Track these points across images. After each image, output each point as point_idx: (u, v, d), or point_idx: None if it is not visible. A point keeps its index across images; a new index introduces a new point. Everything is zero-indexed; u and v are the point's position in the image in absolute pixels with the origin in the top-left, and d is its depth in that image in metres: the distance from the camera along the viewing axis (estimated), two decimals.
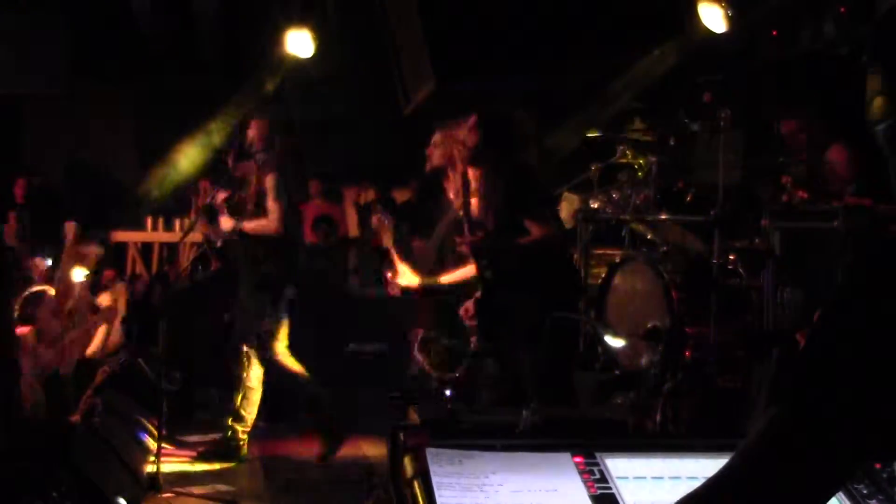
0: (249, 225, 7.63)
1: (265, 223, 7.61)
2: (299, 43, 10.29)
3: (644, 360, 7.02)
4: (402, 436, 2.55)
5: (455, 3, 9.14)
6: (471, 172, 6.12)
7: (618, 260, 7.85)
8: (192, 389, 9.09)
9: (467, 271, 6.32)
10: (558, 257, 6.11)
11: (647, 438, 3.70)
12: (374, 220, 7.25)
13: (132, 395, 7.61)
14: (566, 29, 9.56)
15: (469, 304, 6.17)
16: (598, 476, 2.33)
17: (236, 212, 7.68)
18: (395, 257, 6.77)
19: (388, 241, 6.95)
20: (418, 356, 6.42)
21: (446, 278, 6.51)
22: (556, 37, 9.61)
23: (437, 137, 6.39)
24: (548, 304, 5.63)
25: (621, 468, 2.36)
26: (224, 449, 7.64)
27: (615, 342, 6.20)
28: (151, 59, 13.21)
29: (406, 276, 6.68)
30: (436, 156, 6.37)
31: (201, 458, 7.55)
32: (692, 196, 7.82)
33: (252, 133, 7.68)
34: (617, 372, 7.54)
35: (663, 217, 7.84)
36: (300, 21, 10.27)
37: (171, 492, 6.47)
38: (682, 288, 7.28)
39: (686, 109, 8.03)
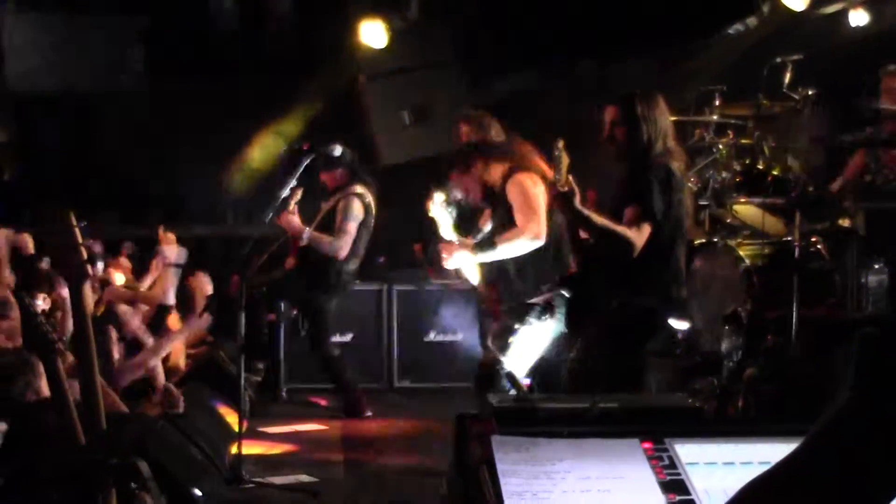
0: (314, 238, 8.16)
1: (329, 244, 8.15)
2: (373, 34, 10.32)
3: (724, 346, 6.92)
4: (468, 423, 2.52)
5: None
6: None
7: (696, 244, 7.74)
8: (273, 381, 9.18)
9: None
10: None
11: (718, 424, 3.63)
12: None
13: (213, 387, 7.70)
14: (638, 10, 9.47)
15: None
16: (666, 462, 2.29)
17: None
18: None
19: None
20: (491, 344, 6.38)
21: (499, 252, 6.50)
22: (628, 19, 9.53)
23: None
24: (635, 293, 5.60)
25: (691, 454, 2.31)
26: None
27: (680, 325, 6.09)
28: (227, 57, 13.33)
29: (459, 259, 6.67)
30: None
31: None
32: (772, 178, 7.68)
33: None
34: (697, 358, 7.46)
35: (743, 200, 7.72)
36: (375, 12, 10.30)
37: (253, 482, 6.52)
38: (763, 272, 7.16)
39: (766, 89, 7.89)
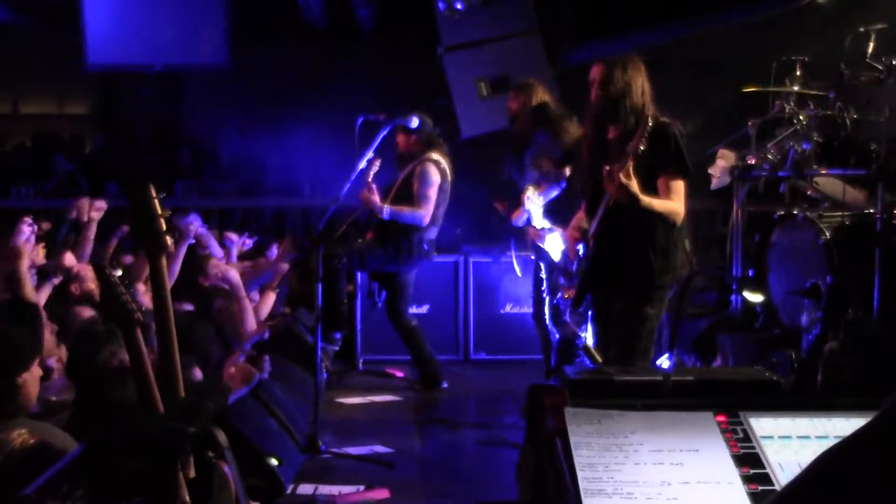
0: (396, 212, 8.25)
1: (411, 214, 8.22)
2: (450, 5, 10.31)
3: (804, 319, 6.83)
4: (541, 395, 2.53)
5: None
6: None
7: (776, 217, 7.64)
8: (350, 351, 9.26)
9: None
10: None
11: (794, 397, 3.59)
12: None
13: (291, 357, 7.78)
14: None
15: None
16: (741, 435, 2.28)
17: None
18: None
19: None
20: (568, 318, 6.38)
21: None
22: None
23: None
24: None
25: (766, 427, 2.30)
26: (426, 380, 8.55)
27: (754, 297, 6.03)
28: (309, 31, 13.41)
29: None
30: None
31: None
32: (854, 149, 7.55)
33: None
34: (776, 331, 7.39)
35: (823, 172, 7.61)
36: None
37: (329, 453, 6.58)
38: (844, 245, 7.05)
39: (848, 59, 7.75)
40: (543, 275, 7.26)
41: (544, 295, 7.19)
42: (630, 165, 5.20)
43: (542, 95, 7.94)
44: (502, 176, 8.20)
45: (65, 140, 15.28)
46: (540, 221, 7.03)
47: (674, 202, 5.45)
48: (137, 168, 13.86)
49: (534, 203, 7.07)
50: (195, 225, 8.18)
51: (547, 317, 7.08)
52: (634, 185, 5.21)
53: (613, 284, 5.63)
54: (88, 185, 13.58)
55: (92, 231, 7.81)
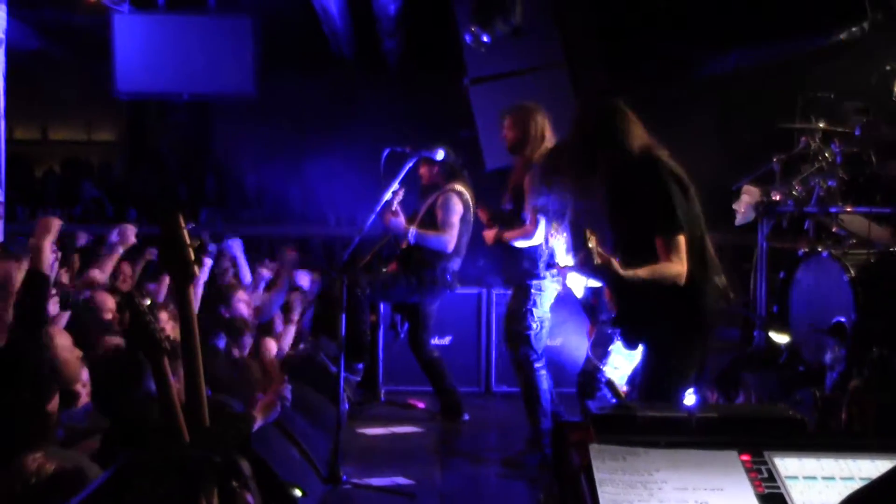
0: (421, 235, 8.18)
1: (436, 238, 8.20)
2: (477, 38, 10.34)
3: (828, 357, 6.81)
4: (567, 431, 2.54)
5: None
6: None
7: (801, 253, 7.63)
8: (372, 382, 9.26)
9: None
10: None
11: (819, 437, 3.58)
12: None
13: (314, 386, 7.79)
14: (744, 14, 9.37)
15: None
16: (765, 475, 2.28)
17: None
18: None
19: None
20: (591, 353, 6.39)
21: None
22: (732, 22, 9.43)
23: None
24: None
25: (791, 467, 2.30)
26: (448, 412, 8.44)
27: (779, 337, 6.01)
28: (336, 62, 13.50)
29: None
30: None
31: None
32: (880, 187, 7.54)
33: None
34: (800, 368, 7.36)
35: (849, 209, 7.59)
36: (479, 17, 10.31)
37: (350, 483, 6.58)
38: (869, 282, 7.03)
39: (874, 96, 7.76)
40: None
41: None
42: (594, 241, 4.70)
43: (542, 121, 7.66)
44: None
45: (93, 166, 15.41)
46: (563, 259, 6.95)
47: (668, 264, 4.87)
48: (164, 195, 13.96)
49: (557, 240, 7.01)
50: (235, 248, 8.25)
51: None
52: (614, 265, 4.74)
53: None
54: (114, 210, 13.69)
55: (116, 257, 7.85)
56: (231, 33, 11.94)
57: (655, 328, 5.03)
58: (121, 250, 7.80)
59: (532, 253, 7.22)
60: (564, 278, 6.80)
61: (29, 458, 3.73)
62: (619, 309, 5.16)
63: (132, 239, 7.73)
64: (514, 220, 7.30)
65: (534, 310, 7.25)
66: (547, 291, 7.25)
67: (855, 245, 7.56)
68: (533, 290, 7.24)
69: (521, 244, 7.24)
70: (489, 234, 7.55)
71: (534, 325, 7.24)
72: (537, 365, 7.29)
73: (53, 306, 6.04)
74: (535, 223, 7.12)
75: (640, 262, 4.84)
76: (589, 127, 5.20)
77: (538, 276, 7.21)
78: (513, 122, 7.38)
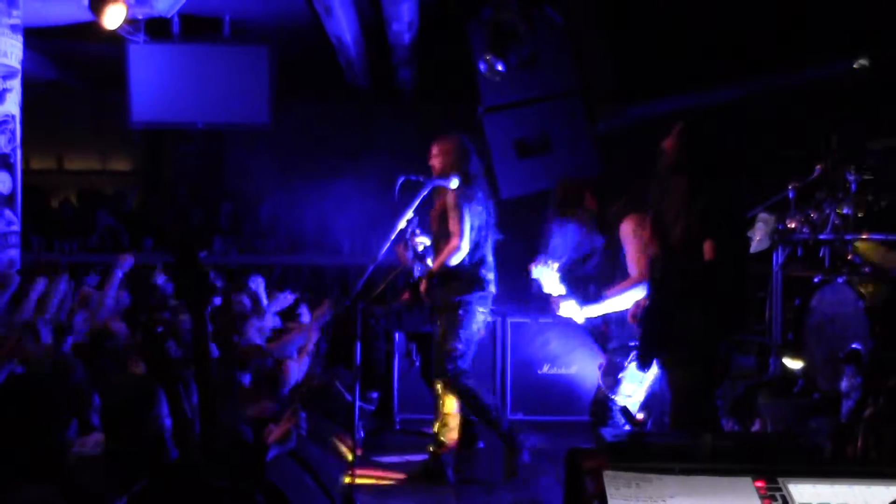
0: (439, 260, 7.87)
1: (447, 248, 7.91)
2: (490, 67, 10.36)
3: (844, 385, 6.78)
4: (580, 458, 2.53)
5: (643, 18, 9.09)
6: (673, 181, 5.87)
7: (816, 281, 7.61)
8: (386, 410, 9.26)
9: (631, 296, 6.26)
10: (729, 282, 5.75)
11: (834, 464, 3.56)
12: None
13: (328, 415, 7.78)
14: (759, 41, 9.38)
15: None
16: (780, 502, 2.26)
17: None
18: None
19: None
20: (602, 382, 6.38)
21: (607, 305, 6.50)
22: (744, 53, 9.44)
23: None
24: (712, 325, 5.48)
25: (805, 494, 2.29)
26: (428, 473, 7.76)
27: (794, 364, 6.00)
28: (351, 91, 13.54)
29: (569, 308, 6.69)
30: None
31: (410, 479, 7.72)
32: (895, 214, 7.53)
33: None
34: (815, 396, 7.33)
35: (864, 236, 7.58)
36: (493, 47, 10.33)
37: None
38: (885, 310, 7.01)
39: (890, 122, 7.76)
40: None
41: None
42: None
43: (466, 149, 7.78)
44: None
45: (108, 196, 15.48)
46: (556, 288, 6.84)
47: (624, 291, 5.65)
48: (179, 224, 14.00)
49: (544, 273, 6.89)
50: (258, 287, 8.30)
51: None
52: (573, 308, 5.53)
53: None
54: (130, 239, 13.73)
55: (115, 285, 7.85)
56: (246, 63, 11.98)
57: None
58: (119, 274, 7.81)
59: (459, 272, 7.32)
60: (557, 308, 6.77)
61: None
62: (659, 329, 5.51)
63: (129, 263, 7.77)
64: (442, 242, 7.36)
65: (460, 331, 7.32)
66: (474, 311, 7.30)
67: (871, 273, 7.54)
68: (461, 311, 7.29)
69: (455, 260, 7.26)
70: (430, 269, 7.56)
71: (459, 347, 7.26)
72: (469, 381, 7.43)
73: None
74: (460, 233, 7.20)
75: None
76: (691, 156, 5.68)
77: (465, 296, 7.25)
78: (441, 151, 7.55)
